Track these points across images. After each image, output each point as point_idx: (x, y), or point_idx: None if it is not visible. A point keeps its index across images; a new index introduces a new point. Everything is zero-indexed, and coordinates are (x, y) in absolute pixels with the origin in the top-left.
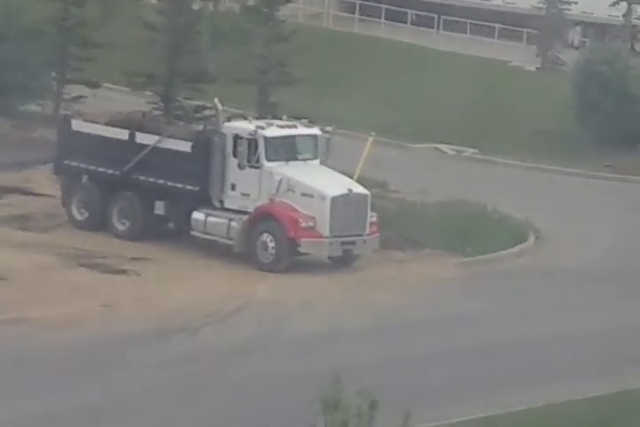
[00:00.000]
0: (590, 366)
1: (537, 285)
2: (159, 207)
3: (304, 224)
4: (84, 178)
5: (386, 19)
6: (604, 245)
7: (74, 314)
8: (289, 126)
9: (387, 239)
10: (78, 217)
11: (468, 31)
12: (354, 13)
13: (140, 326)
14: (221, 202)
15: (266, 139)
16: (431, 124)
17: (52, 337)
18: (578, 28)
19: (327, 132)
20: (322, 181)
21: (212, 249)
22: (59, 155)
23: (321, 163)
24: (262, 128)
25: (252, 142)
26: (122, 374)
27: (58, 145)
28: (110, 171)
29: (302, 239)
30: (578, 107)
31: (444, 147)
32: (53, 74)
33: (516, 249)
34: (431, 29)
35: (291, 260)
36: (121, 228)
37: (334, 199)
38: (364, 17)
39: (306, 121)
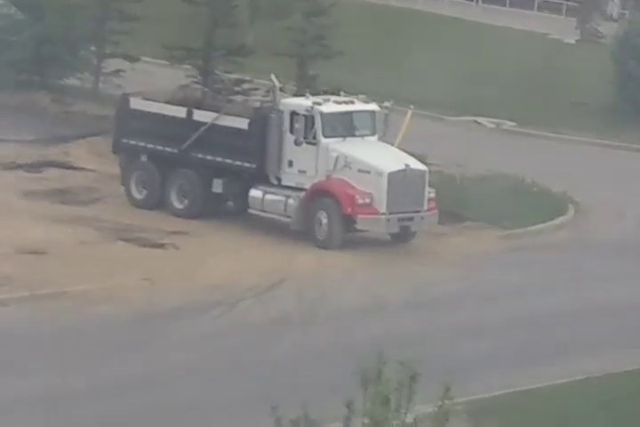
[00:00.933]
0: (630, 339)
1: (577, 257)
2: (217, 185)
3: (361, 201)
4: (143, 156)
5: None
6: None
7: (114, 288)
8: (346, 102)
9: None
10: (137, 196)
11: (508, 3)
12: None
13: (180, 299)
14: (279, 179)
15: (322, 115)
16: (470, 97)
17: (93, 311)
18: (616, 0)
19: (385, 107)
20: (379, 158)
21: (258, 225)
22: (117, 133)
23: (379, 139)
24: (319, 104)
25: (309, 118)
26: (163, 347)
27: (116, 124)
28: (169, 149)
29: (359, 216)
30: (617, 79)
31: (482, 120)
32: (92, 48)
33: (555, 222)
34: (470, 2)
35: (343, 236)
36: (179, 206)
37: (391, 175)
38: None
39: (363, 97)
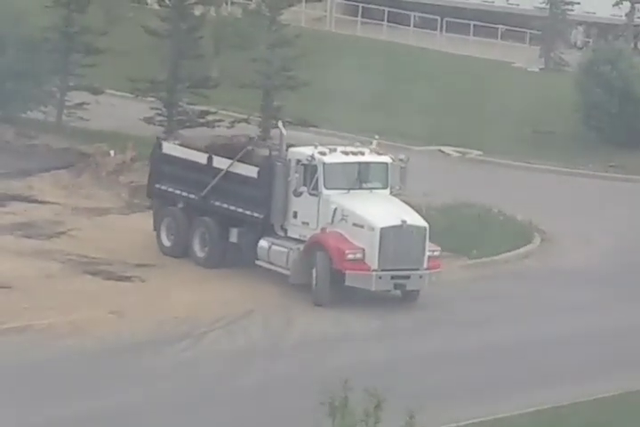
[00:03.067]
0: (596, 368)
1: (543, 286)
2: (233, 235)
3: (351, 256)
4: (172, 203)
5: (388, 21)
6: (610, 246)
7: (80, 321)
8: (354, 153)
9: None
10: (166, 243)
11: (472, 33)
12: (356, 16)
13: (147, 333)
14: (285, 230)
15: (325, 165)
16: (435, 127)
17: (59, 345)
18: (581, 29)
19: (400, 160)
20: (375, 212)
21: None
22: (150, 178)
23: (392, 193)
24: (323, 154)
25: (312, 168)
26: (130, 380)
27: (150, 168)
28: (192, 196)
29: (347, 271)
30: (582, 107)
31: (447, 149)
32: (56, 81)
33: (521, 251)
34: (434, 31)
35: (330, 292)
36: (201, 255)
37: (384, 231)
38: (366, 20)
39: (376, 148)
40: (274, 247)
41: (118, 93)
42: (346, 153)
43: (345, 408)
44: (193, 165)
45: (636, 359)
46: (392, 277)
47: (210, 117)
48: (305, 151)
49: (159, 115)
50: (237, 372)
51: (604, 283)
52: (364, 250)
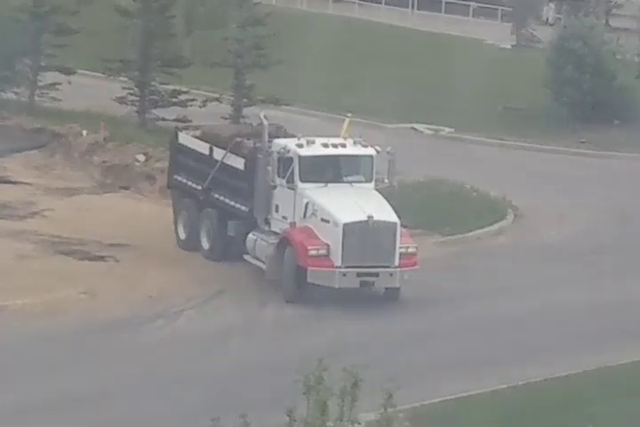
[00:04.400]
0: (566, 344)
1: (517, 262)
2: (230, 228)
3: (314, 252)
4: (187, 195)
5: None
6: (582, 222)
7: (54, 301)
8: (335, 145)
9: None
10: (181, 236)
11: (443, 10)
12: None
13: (120, 312)
14: (269, 224)
15: (300, 158)
16: (407, 104)
17: (32, 325)
18: (552, 5)
19: (387, 152)
20: (343, 206)
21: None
22: (169, 169)
23: (378, 186)
24: (300, 146)
25: (287, 161)
26: (104, 360)
27: (169, 158)
28: (199, 187)
29: (309, 268)
30: (553, 83)
31: (420, 126)
32: (27, 61)
33: (494, 227)
34: (406, 9)
35: (297, 289)
36: (206, 247)
37: (347, 226)
38: None
39: (360, 139)
40: (258, 241)
41: (90, 73)
42: (325, 145)
43: (320, 386)
44: (200, 157)
45: (615, 334)
46: (358, 275)
47: (182, 97)
48: (285, 143)
49: (131, 94)
50: (210, 352)
51: (577, 259)
52: (328, 246)
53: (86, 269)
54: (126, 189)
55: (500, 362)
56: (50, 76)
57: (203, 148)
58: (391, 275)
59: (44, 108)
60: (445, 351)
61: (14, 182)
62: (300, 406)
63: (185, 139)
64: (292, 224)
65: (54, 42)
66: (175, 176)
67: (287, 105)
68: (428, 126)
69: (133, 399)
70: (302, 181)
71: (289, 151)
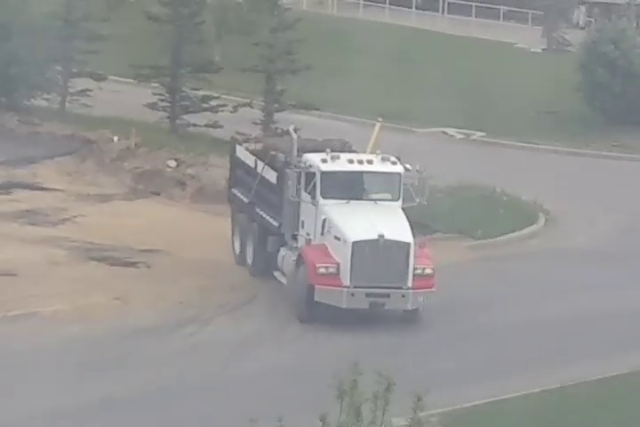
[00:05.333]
0: (597, 348)
1: (548, 266)
2: (269, 243)
3: (322, 270)
4: (240, 209)
5: (390, 3)
6: (614, 226)
7: (86, 308)
8: (361, 161)
9: None
10: (236, 250)
11: (474, 14)
12: None
13: (152, 318)
14: (296, 240)
15: (322, 173)
16: (438, 109)
17: (65, 331)
18: (582, 8)
19: (417, 171)
20: (356, 224)
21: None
22: (228, 182)
23: (405, 206)
24: (324, 161)
25: (310, 176)
26: (136, 366)
27: (229, 171)
28: (246, 201)
29: (317, 286)
30: (585, 87)
31: (451, 130)
32: (59, 68)
33: (526, 231)
34: (436, 13)
35: (309, 308)
36: (250, 262)
37: (356, 244)
38: (368, 2)
39: (388, 155)
40: (285, 258)
41: (121, 80)
42: (351, 161)
43: (354, 390)
44: (249, 170)
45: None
46: (367, 295)
47: (213, 102)
48: (311, 157)
49: (162, 100)
50: (241, 358)
51: (609, 263)
52: (338, 265)
53: (118, 275)
54: (157, 194)
55: (530, 366)
56: (81, 83)
57: (251, 161)
58: (403, 296)
59: (76, 115)
60: (475, 356)
61: (46, 189)
62: (333, 411)
63: (240, 152)
64: (308, 241)
65: (85, 48)
66: (232, 190)
67: (318, 110)
68: (459, 130)
69: (164, 404)
70: (324, 197)
71: (311, 166)
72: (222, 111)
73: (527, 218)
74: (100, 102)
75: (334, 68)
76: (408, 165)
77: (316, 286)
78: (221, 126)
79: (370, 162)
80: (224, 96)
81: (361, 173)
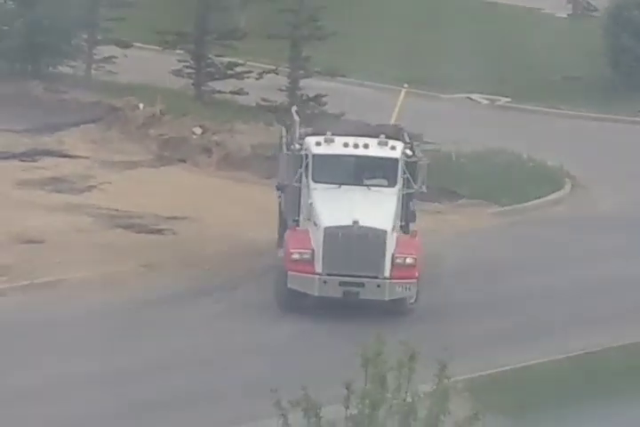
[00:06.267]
0: (622, 315)
1: (574, 232)
2: (282, 226)
3: (296, 256)
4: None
5: None
6: None
7: (112, 275)
8: (356, 145)
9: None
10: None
11: None
12: None
13: (179, 285)
14: (298, 226)
15: (313, 156)
16: (464, 74)
17: (91, 299)
18: None
19: (416, 156)
20: (334, 210)
21: (257, 209)
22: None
23: (404, 192)
24: (318, 144)
25: (305, 159)
26: (162, 333)
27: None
28: (278, 180)
29: (289, 272)
30: (610, 52)
31: (476, 96)
32: (84, 35)
33: (552, 197)
34: None
35: (285, 295)
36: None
37: (328, 230)
38: None
39: (386, 140)
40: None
41: (146, 46)
42: (346, 144)
43: (378, 359)
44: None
45: None
46: (340, 284)
47: (238, 69)
48: (308, 141)
49: (187, 67)
50: (268, 325)
51: (635, 229)
52: (313, 251)
53: (144, 243)
54: (183, 161)
55: (557, 332)
56: (106, 50)
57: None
58: (379, 286)
59: (101, 82)
60: (500, 322)
61: (72, 156)
62: (359, 379)
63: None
64: (293, 226)
65: (110, 15)
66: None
67: (343, 76)
68: (485, 96)
69: (191, 372)
70: (315, 181)
71: (306, 149)
72: (247, 78)
73: (553, 184)
74: (126, 69)
75: (360, 34)
76: (409, 151)
77: (289, 273)
78: (247, 93)
79: (366, 146)
80: (249, 63)
81: (354, 157)
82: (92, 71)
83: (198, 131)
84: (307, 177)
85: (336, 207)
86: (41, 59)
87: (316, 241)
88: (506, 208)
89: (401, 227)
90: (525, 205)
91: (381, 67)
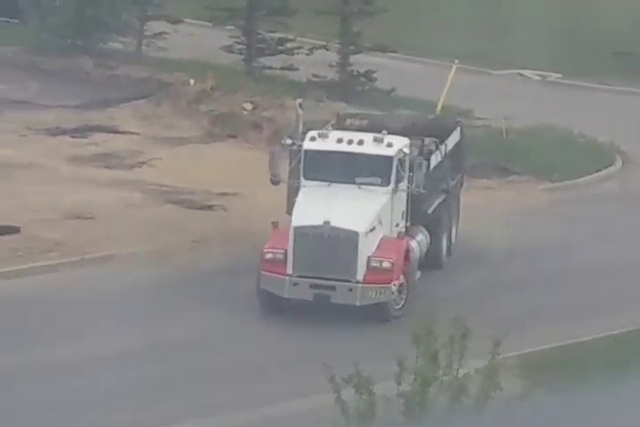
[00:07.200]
0: None
1: (625, 209)
2: None
3: (269, 255)
4: None
5: None
6: None
7: (162, 250)
8: (350, 141)
9: (474, 167)
10: None
11: None
12: None
13: (226, 260)
14: None
15: (306, 152)
16: (515, 50)
17: (141, 274)
18: None
19: (408, 155)
20: (309, 209)
21: None
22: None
23: (396, 192)
24: (313, 139)
25: (296, 154)
26: (209, 307)
27: None
28: None
29: (262, 272)
30: None
31: (527, 72)
32: (135, 11)
33: (603, 173)
34: None
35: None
36: None
37: (298, 230)
38: None
39: (386, 136)
40: None
41: (197, 22)
42: (339, 140)
43: (429, 337)
44: None
45: None
46: (311, 286)
47: (288, 45)
48: (307, 135)
49: (238, 43)
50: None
51: None
52: (286, 251)
53: (194, 218)
54: (234, 137)
55: (606, 308)
56: (156, 26)
57: None
58: (351, 290)
59: (151, 58)
60: (548, 298)
61: (122, 132)
62: (411, 356)
63: None
64: (275, 224)
65: None
66: None
67: (394, 52)
68: (536, 72)
69: (237, 347)
70: (306, 177)
71: (300, 145)
72: (298, 54)
73: (604, 160)
74: (176, 45)
75: (410, 10)
76: (406, 149)
77: (262, 272)
78: (297, 69)
79: (361, 142)
80: (299, 39)
81: (346, 153)
82: (143, 47)
83: (249, 106)
84: (300, 174)
85: (312, 206)
86: (92, 35)
87: (289, 241)
88: (557, 184)
89: (406, 228)
90: (576, 181)
91: (432, 42)
